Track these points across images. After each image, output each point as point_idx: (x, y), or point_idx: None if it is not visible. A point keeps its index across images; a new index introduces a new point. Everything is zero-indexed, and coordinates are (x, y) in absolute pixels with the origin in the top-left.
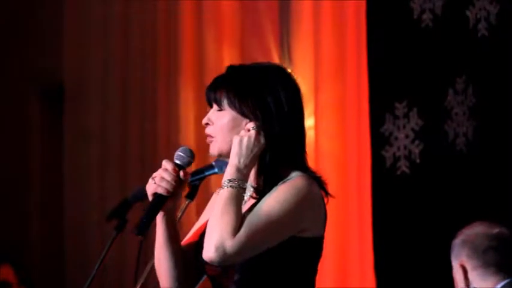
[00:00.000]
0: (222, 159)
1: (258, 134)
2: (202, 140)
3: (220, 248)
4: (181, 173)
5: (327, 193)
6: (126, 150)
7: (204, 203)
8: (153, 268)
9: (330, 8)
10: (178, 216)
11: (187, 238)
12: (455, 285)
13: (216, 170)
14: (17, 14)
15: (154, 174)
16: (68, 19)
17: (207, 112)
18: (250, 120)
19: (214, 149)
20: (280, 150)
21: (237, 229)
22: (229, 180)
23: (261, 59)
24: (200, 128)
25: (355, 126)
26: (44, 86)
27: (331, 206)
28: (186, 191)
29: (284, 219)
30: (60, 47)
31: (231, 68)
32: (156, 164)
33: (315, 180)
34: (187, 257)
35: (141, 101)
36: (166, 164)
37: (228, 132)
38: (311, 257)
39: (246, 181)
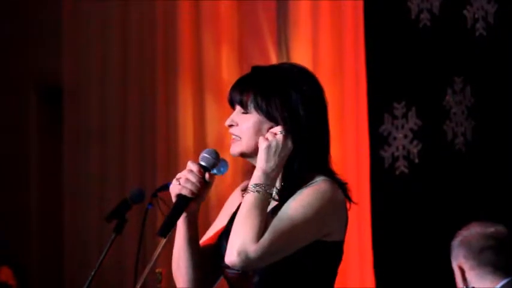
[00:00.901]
0: (222, 160)
1: (285, 138)
2: (201, 141)
3: (243, 253)
4: (206, 175)
5: (349, 199)
6: (125, 150)
7: (204, 204)
8: (152, 270)
9: (327, 9)
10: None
11: (205, 239)
12: (457, 285)
13: (214, 171)
14: (16, 15)
15: (178, 175)
16: (67, 20)
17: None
18: (276, 124)
19: (236, 149)
20: (306, 154)
21: (260, 234)
22: (256, 185)
23: (259, 59)
24: (198, 129)
25: (353, 127)
26: (43, 87)
27: None
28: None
29: (308, 224)
30: (59, 48)
31: (256, 70)
32: (154, 164)
33: (339, 186)
34: (205, 258)
35: (140, 101)
36: (191, 165)
37: (253, 135)
38: (332, 260)
39: (273, 186)
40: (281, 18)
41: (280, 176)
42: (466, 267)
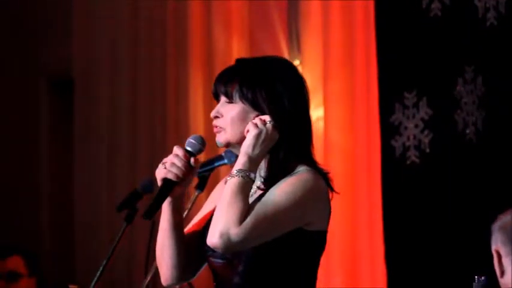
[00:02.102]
0: (231, 149)
1: (274, 127)
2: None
3: (225, 235)
4: (191, 160)
5: (332, 189)
6: (136, 141)
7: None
8: None
9: None
10: (188, 208)
11: (191, 226)
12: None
13: (225, 160)
14: (26, 7)
15: (164, 160)
16: (77, 12)
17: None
18: (262, 113)
19: (221, 139)
20: (291, 144)
21: (243, 218)
22: (240, 170)
23: (270, 49)
24: (210, 121)
25: (364, 116)
26: (54, 78)
27: (341, 196)
28: (195, 180)
29: (290, 210)
30: (70, 39)
31: (240, 61)
32: (165, 155)
33: (322, 175)
34: (189, 245)
35: (151, 93)
36: (177, 149)
37: (238, 124)
38: (315, 250)
39: (255, 172)
40: (292, 9)
41: (265, 165)
42: (502, 253)
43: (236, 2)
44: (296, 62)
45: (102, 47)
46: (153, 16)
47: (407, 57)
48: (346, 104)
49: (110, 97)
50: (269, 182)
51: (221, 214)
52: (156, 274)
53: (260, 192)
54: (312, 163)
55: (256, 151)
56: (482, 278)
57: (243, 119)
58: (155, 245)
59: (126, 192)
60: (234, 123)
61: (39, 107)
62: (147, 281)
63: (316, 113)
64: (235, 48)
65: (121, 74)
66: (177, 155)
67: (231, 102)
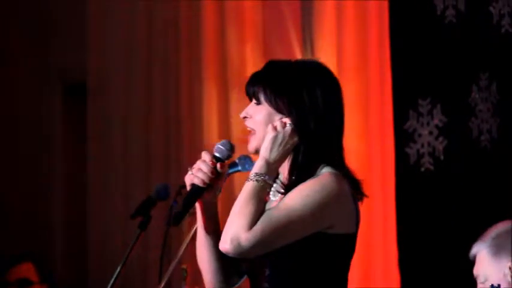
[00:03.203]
0: (246, 156)
1: (293, 131)
2: (225, 137)
3: (235, 241)
4: (218, 165)
5: (358, 192)
6: (150, 146)
7: (227, 201)
8: (177, 266)
9: (352, 5)
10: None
11: None
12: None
13: (239, 167)
14: (41, 12)
15: (194, 166)
16: (92, 15)
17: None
18: (286, 116)
19: (251, 146)
20: (312, 148)
21: (254, 223)
22: (256, 174)
23: (283, 54)
24: (223, 124)
25: (378, 124)
26: (68, 82)
27: None
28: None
29: (305, 215)
30: (84, 42)
31: (271, 63)
32: (179, 159)
33: (347, 178)
34: None
35: (164, 97)
36: (204, 155)
37: (264, 127)
38: (341, 253)
39: (274, 176)
40: (306, 14)
41: (287, 169)
42: None
43: (249, 4)
44: None
45: (117, 51)
46: (167, 19)
47: (422, 64)
48: (360, 111)
49: (123, 101)
50: (290, 186)
51: (233, 219)
52: (171, 281)
53: (280, 196)
54: (338, 166)
55: (274, 154)
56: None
57: (268, 121)
58: (169, 251)
59: (140, 198)
60: (261, 125)
61: (53, 111)
62: (161, 287)
63: None
64: (248, 51)
65: (135, 78)
66: (204, 161)
67: (259, 104)
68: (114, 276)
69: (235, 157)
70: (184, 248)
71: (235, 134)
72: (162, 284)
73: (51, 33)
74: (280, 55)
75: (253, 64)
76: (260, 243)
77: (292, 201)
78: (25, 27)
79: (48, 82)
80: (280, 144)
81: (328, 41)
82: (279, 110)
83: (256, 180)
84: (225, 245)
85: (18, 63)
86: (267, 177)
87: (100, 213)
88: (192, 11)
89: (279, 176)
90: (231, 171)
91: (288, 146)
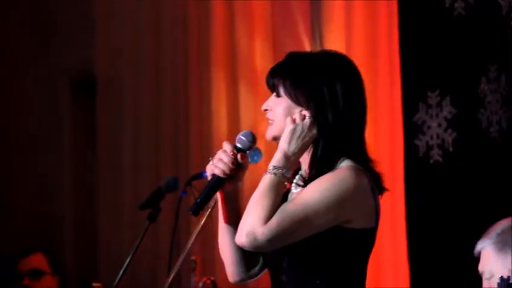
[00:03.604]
0: (255, 148)
1: (312, 123)
2: (234, 130)
3: (251, 234)
4: (239, 156)
5: (379, 186)
6: (159, 139)
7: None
8: (186, 258)
9: None
10: (212, 205)
11: None
12: None
13: (248, 160)
14: (48, 7)
15: (215, 156)
16: (100, 12)
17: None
18: (305, 109)
19: (269, 134)
20: (332, 141)
21: (270, 216)
22: (275, 167)
23: (292, 48)
24: (232, 121)
25: (387, 115)
26: (77, 78)
27: None
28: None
29: (321, 209)
30: (92, 38)
31: (291, 55)
32: (188, 152)
33: (367, 172)
34: None
35: (174, 91)
36: (225, 145)
37: (283, 119)
38: (359, 248)
39: (292, 169)
40: (314, 6)
41: (307, 162)
42: None
43: (259, 1)
44: None
45: (125, 47)
46: (176, 18)
47: (431, 56)
48: (369, 103)
49: (132, 96)
50: (308, 179)
51: (249, 212)
52: (180, 272)
53: (301, 189)
54: (359, 160)
55: (292, 147)
56: (507, 276)
57: (288, 114)
58: (178, 243)
59: (149, 190)
60: (280, 117)
61: (61, 107)
62: (170, 278)
63: None
64: (258, 48)
65: (143, 73)
66: (224, 151)
67: (279, 96)
68: (124, 267)
69: None
70: (193, 239)
71: (244, 127)
72: (172, 276)
73: (57, 30)
74: (290, 48)
75: (262, 57)
76: (275, 237)
77: (309, 195)
78: (31, 24)
79: (55, 79)
80: (299, 136)
81: (337, 34)
82: (298, 103)
83: (274, 173)
84: (241, 238)
85: (26, 60)
86: (285, 170)
87: (110, 206)
88: (201, 9)
89: (301, 169)
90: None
91: (307, 138)
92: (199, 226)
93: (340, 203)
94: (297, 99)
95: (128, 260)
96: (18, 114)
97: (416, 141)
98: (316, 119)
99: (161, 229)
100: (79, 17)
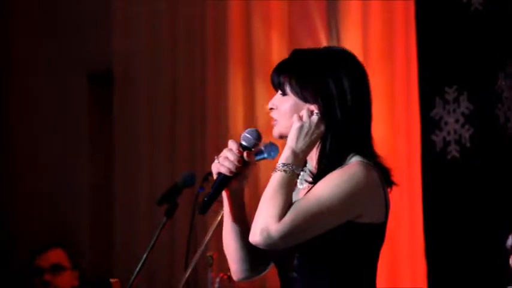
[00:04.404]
0: (272, 144)
1: (320, 120)
2: (251, 125)
3: (265, 232)
4: (244, 154)
5: (388, 180)
6: (176, 134)
7: (254, 188)
8: (203, 253)
9: None
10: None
11: None
12: None
13: (265, 155)
14: (66, 2)
15: (220, 154)
16: (117, 7)
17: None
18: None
19: (275, 132)
20: (340, 137)
21: (283, 213)
22: (284, 164)
23: (309, 44)
24: (249, 118)
25: (404, 111)
26: (94, 71)
27: None
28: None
29: (334, 205)
30: (109, 32)
31: (295, 53)
32: (204, 148)
33: (376, 167)
34: None
35: (190, 85)
36: (231, 143)
37: (289, 117)
38: (370, 243)
39: (301, 166)
40: (331, 4)
41: (315, 158)
42: None
43: (276, 0)
44: None
45: (142, 44)
46: (193, 13)
47: (448, 52)
48: (386, 98)
49: (149, 91)
50: (317, 175)
51: (261, 210)
52: (197, 268)
53: (308, 185)
54: (368, 155)
55: (300, 144)
56: None
57: (294, 112)
58: (195, 238)
59: (166, 186)
60: (286, 115)
61: (79, 102)
62: (187, 274)
63: None
64: (275, 45)
65: (160, 67)
66: (230, 149)
67: (284, 95)
68: (141, 262)
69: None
70: (210, 235)
71: (261, 122)
72: (188, 271)
73: (76, 25)
74: (306, 44)
75: (279, 56)
76: (290, 234)
77: (321, 191)
78: (50, 18)
79: (74, 73)
80: (307, 134)
81: (354, 30)
82: (305, 100)
83: (284, 170)
84: (255, 237)
85: (44, 54)
86: (294, 167)
87: (127, 201)
88: (218, 5)
89: (307, 165)
90: (257, 158)
91: (315, 135)
92: (216, 222)
93: (351, 198)
94: (303, 97)
95: (144, 256)
96: (36, 107)
97: (434, 137)
98: (324, 115)
99: (178, 225)
100: (97, 11)
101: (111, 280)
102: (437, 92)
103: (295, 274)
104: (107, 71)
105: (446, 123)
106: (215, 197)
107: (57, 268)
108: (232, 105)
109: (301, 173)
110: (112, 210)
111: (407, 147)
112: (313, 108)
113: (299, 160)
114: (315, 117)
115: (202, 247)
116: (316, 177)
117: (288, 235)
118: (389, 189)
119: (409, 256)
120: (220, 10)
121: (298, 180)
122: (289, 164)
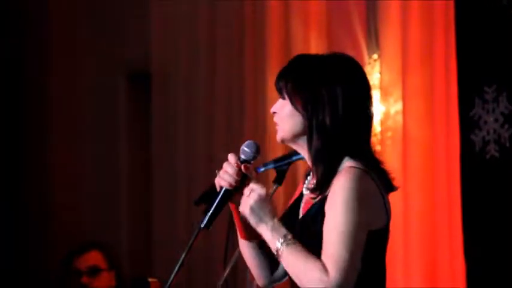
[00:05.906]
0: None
1: (260, 195)
2: None
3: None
4: (242, 167)
5: (387, 184)
6: (213, 134)
7: (292, 188)
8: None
9: None
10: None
11: None
12: None
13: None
14: (104, 3)
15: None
16: (155, 8)
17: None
18: (300, 113)
19: (278, 136)
20: (330, 145)
21: (323, 267)
22: (278, 241)
23: (347, 46)
24: None
25: (443, 111)
26: (132, 72)
27: (420, 192)
28: (273, 174)
29: (356, 229)
30: (148, 35)
31: (296, 59)
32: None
33: (372, 171)
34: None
35: (228, 89)
36: (230, 157)
37: (287, 121)
38: (378, 248)
39: (285, 228)
40: (370, 4)
41: (312, 173)
42: None
43: (315, 0)
44: (374, 56)
45: (180, 42)
46: (231, 15)
47: (487, 52)
48: (425, 98)
49: (187, 90)
50: (318, 185)
51: (304, 276)
52: (235, 269)
53: (311, 202)
54: (361, 159)
55: (265, 220)
56: None
57: (292, 116)
58: (233, 240)
59: (204, 186)
60: (285, 120)
61: (117, 103)
62: (225, 274)
63: (395, 107)
64: (313, 47)
65: (198, 68)
66: (229, 163)
67: (284, 99)
68: (179, 262)
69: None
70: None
71: None
72: (227, 270)
73: (115, 26)
74: (345, 45)
75: (317, 53)
76: (345, 278)
77: (338, 223)
78: (89, 20)
79: (112, 74)
80: (260, 210)
81: (394, 31)
82: (296, 109)
83: (286, 244)
84: None
85: (82, 55)
86: (285, 234)
87: (165, 202)
88: (256, 3)
89: (310, 173)
90: (294, 158)
91: (266, 204)
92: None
93: (361, 215)
94: (295, 103)
95: (182, 256)
96: (77, 104)
97: (473, 137)
98: (311, 123)
99: (216, 225)
100: (135, 13)
101: (150, 279)
102: (476, 91)
103: None
104: (146, 71)
105: (485, 122)
106: (218, 210)
107: (94, 270)
108: (270, 105)
109: (305, 181)
110: (151, 209)
111: (446, 147)
112: (251, 185)
113: (277, 227)
114: (253, 195)
115: (235, 255)
116: (316, 189)
117: (343, 277)
118: (391, 192)
119: (448, 256)
120: (259, 10)
121: (303, 187)
122: (281, 237)
